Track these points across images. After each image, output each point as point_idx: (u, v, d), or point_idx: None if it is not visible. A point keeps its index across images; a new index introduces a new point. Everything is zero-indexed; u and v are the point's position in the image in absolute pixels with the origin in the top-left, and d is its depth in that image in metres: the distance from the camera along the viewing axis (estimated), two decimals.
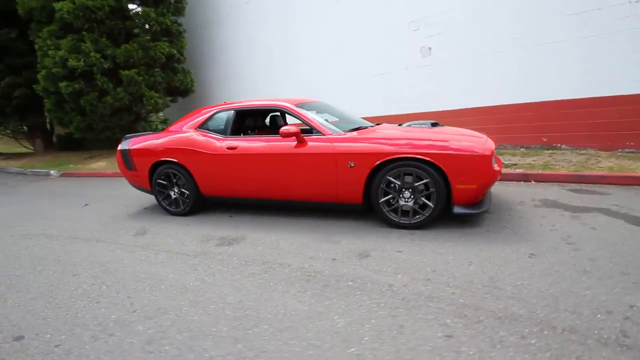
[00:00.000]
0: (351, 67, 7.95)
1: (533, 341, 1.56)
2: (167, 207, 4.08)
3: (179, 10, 9.55)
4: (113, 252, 3.07)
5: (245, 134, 4.19)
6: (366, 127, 3.56)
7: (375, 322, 1.76)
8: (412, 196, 2.98)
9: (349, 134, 3.26)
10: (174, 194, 4.00)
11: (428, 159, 2.83)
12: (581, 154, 5.21)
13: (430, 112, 6.73)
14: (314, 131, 3.33)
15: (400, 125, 3.77)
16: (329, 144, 3.18)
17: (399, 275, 2.24)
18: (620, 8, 4.89)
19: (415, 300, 1.95)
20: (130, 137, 4.30)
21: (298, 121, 3.48)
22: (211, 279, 2.38)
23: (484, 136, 3.23)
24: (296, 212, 3.72)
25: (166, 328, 1.83)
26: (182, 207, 3.98)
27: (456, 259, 2.42)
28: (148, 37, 8.95)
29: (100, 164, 8.73)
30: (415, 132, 3.19)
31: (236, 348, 1.64)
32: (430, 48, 6.72)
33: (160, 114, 11.90)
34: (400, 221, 3.04)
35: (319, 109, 3.82)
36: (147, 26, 8.89)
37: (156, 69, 9.09)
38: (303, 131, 3.30)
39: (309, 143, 3.25)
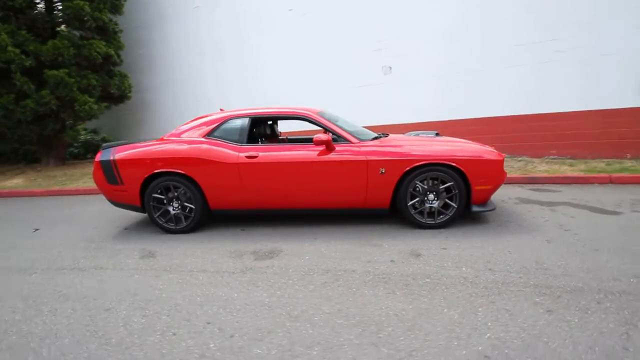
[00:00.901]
0: (312, 80, 8.18)
1: (608, 304, 1.92)
2: (164, 224, 3.62)
3: (116, 7, 8.53)
4: (131, 278, 2.62)
5: (255, 142, 3.98)
6: (381, 137, 3.77)
7: (483, 310, 1.94)
8: (436, 198, 3.28)
9: (376, 142, 3.43)
10: (174, 210, 3.59)
11: (454, 164, 3.17)
12: (520, 161, 6.34)
13: (387, 125, 7.34)
14: (340, 139, 3.41)
15: (407, 134, 4.10)
16: (360, 150, 3.30)
17: (463, 269, 2.47)
18: (555, 43, 6.14)
19: (496, 287, 2.19)
20: (111, 146, 3.72)
21: (318, 128, 3.53)
22: (286, 292, 2.25)
23: (486, 145, 3.74)
24: (310, 221, 3.70)
25: (289, 346, 1.70)
26: (184, 223, 3.59)
27: (495, 250, 2.76)
28: (79, 34, 7.77)
29: (16, 182, 7.10)
30: (433, 141, 3.53)
31: (383, 352, 1.62)
32: (390, 67, 7.39)
33: (84, 123, 10.29)
34: (427, 222, 3.31)
35: (333, 118, 3.91)
36: (77, 22, 7.69)
37: (88, 71, 7.90)
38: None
39: (339, 150, 3.32)
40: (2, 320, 2.10)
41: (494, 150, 3.44)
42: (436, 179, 3.25)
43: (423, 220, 3.31)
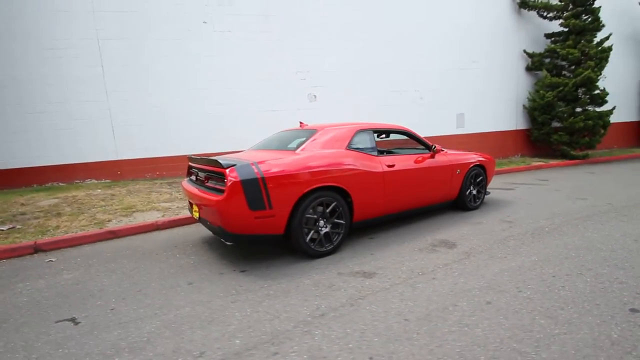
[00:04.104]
0: (237, 101, 7.83)
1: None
2: (314, 248, 3.10)
3: None
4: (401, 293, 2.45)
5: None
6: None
7: None
8: (475, 187, 4.84)
9: (445, 151, 4.56)
10: (324, 229, 3.17)
11: (483, 164, 4.86)
12: None
13: None
14: (427, 148, 4.30)
15: None
16: (445, 157, 4.35)
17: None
18: (417, 91, 9.21)
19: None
20: (251, 162, 2.80)
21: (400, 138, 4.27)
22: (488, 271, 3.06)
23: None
24: (396, 223, 4.31)
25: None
26: (333, 242, 3.24)
27: (512, 210, 4.63)
28: None
29: None
30: (463, 152, 5.03)
31: None
32: (315, 95, 8.40)
33: None
34: (473, 205, 4.79)
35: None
36: None
37: None
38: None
39: (437, 157, 4.23)
40: None
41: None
42: (477, 174, 4.81)
43: (471, 205, 4.75)
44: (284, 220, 2.92)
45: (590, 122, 9.17)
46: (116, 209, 5.15)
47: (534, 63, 10.06)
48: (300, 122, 4.22)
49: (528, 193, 5.85)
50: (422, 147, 4.33)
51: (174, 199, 5.78)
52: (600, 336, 1.83)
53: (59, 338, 2.04)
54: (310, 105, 8.40)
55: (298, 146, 3.40)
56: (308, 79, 8.30)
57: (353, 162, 3.38)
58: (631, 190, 5.69)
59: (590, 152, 9.83)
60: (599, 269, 2.69)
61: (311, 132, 3.52)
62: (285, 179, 2.89)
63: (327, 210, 3.16)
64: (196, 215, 3.27)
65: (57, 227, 4.40)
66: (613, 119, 9.72)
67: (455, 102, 9.78)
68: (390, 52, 8.96)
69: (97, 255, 3.52)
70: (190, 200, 3.45)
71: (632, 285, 2.39)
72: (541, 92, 9.65)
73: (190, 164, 3.74)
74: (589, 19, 9.12)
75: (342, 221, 3.27)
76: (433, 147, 4.24)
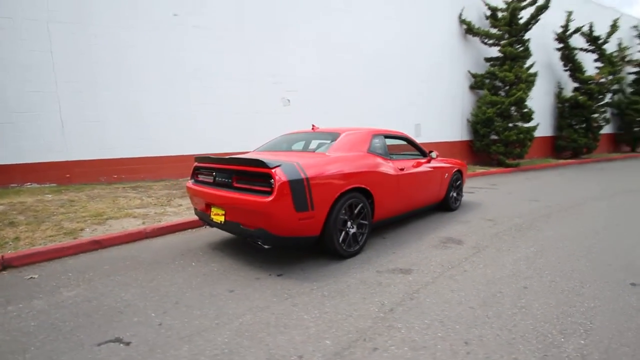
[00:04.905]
0: (212, 101, 7.44)
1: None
2: (345, 249, 3.14)
3: None
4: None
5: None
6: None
7: None
8: (454, 190, 5.35)
9: (434, 156, 4.96)
10: (352, 229, 3.23)
11: (460, 169, 5.40)
12: None
13: None
14: (421, 154, 4.65)
15: None
16: (438, 163, 4.74)
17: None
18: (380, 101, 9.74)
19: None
20: (293, 162, 2.73)
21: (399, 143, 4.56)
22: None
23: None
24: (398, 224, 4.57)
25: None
26: (359, 244, 3.31)
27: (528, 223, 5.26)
28: None
29: None
30: (444, 159, 5.52)
31: None
32: (289, 100, 8.38)
33: None
34: (454, 206, 5.28)
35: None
36: None
37: None
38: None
39: (432, 162, 4.58)
40: None
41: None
42: (457, 178, 5.32)
43: (454, 205, 5.24)
44: (321, 222, 2.91)
45: (521, 135, 10.72)
46: (84, 217, 4.50)
47: (477, 83, 11.45)
48: (313, 125, 4.22)
49: (487, 196, 6.62)
50: (418, 152, 4.66)
51: (147, 205, 5.25)
52: (620, 302, 2.23)
53: None
54: (284, 110, 8.36)
55: (322, 148, 3.41)
56: (282, 83, 8.26)
57: (376, 165, 3.51)
58: (568, 192, 6.80)
59: (520, 161, 11.47)
60: (588, 255, 3.21)
61: (335, 135, 3.57)
62: (326, 180, 2.89)
63: (355, 211, 3.23)
64: (220, 219, 3.05)
65: (17, 238, 3.69)
66: (535, 133, 11.51)
67: (413, 114, 10.61)
68: (357, 65, 9.39)
69: (90, 269, 3.06)
70: (209, 203, 3.21)
71: (621, 265, 2.93)
72: (483, 108, 11.01)
73: (201, 164, 3.48)
74: (521, 48, 10.75)
75: (366, 222, 3.37)
76: (430, 152, 4.60)
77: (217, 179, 3.18)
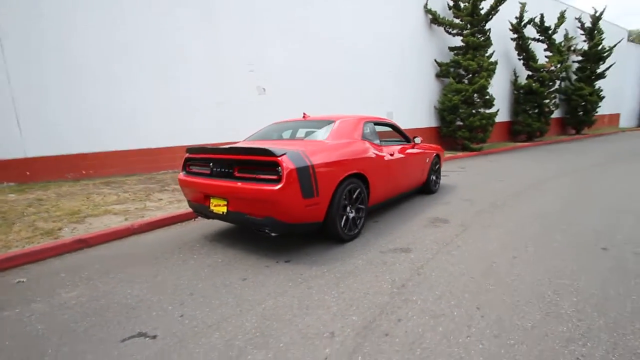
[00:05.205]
0: (181, 92, 7.12)
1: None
2: (347, 233, 3.25)
3: None
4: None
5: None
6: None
7: None
8: (434, 174, 5.64)
9: (416, 143, 5.18)
10: (352, 214, 3.34)
11: (439, 153, 5.70)
12: None
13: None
14: (406, 139, 4.84)
15: None
16: (421, 147, 4.96)
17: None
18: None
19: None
20: (297, 150, 2.75)
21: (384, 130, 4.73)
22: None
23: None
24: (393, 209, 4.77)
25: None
26: (358, 227, 3.44)
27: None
28: None
29: None
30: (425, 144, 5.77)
31: None
32: (264, 89, 8.22)
33: None
34: (434, 189, 5.57)
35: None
36: None
37: None
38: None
39: (415, 148, 4.79)
40: None
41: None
42: (435, 162, 5.60)
43: (434, 186, 5.54)
44: (325, 208, 2.98)
45: (483, 121, 11.42)
46: (59, 216, 4.21)
47: (442, 71, 11.94)
48: (304, 114, 4.22)
49: (459, 178, 7.04)
50: (403, 138, 4.85)
51: (125, 200, 4.99)
52: (596, 264, 2.56)
53: (145, 356, 1.74)
54: (259, 99, 8.20)
55: (319, 136, 3.46)
56: (257, 72, 8.08)
57: (370, 151, 3.63)
58: (529, 172, 7.41)
59: (483, 145, 12.24)
60: (561, 227, 3.59)
61: (330, 123, 3.62)
62: (329, 166, 2.95)
63: (354, 196, 3.34)
64: (221, 210, 3.01)
65: None
66: (495, 119, 12.31)
67: (385, 103, 10.88)
68: (333, 56, 9.41)
69: (82, 268, 2.90)
70: (208, 194, 3.15)
71: (589, 233, 3.31)
72: (448, 95, 11.54)
73: (194, 155, 3.38)
74: (482, 38, 11.34)
75: (363, 206, 3.49)
76: (414, 138, 4.80)
77: (215, 169, 3.12)
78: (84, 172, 6.34)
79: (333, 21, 9.36)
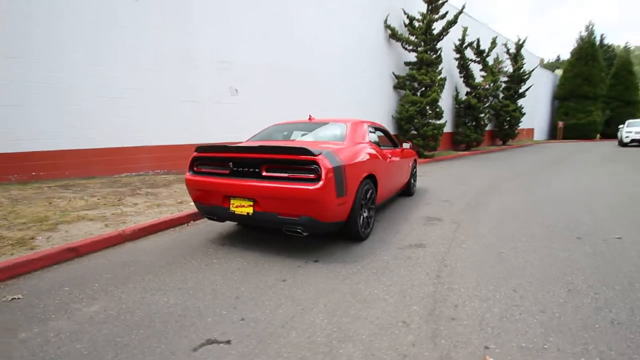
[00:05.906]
0: (150, 86, 6.61)
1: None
2: (364, 232, 3.37)
3: None
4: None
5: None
6: None
7: None
8: (412, 177, 6.07)
9: (401, 147, 5.53)
10: (365, 213, 3.47)
11: (416, 158, 6.16)
12: None
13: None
14: (394, 144, 5.16)
15: None
16: (406, 152, 5.32)
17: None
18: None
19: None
20: (329, 149, 2.79)
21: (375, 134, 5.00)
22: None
23: None
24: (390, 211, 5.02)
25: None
26: (370, 227, 3.59)
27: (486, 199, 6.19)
28: None
29: None
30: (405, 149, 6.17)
31: None
32: (237, 90, 7.99)
33: None
34: (413, 191, 6.00)
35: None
36: None
37: None
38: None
39: (403, 151, 5.13)
40: None
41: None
42: (413, 166, 6.04)
43: (413, 188, 5.96)
44: (349, 207, 3.07)
45: (435, 131, 12.51)
46: (24, 223, 3.66)
47: (399, 83, 12.83)
48: (310, 116, 4.25)
49: (427, 182, 7.63)
50: (391, 143, 5.15)
51: (95, 206, 4.50)
52: (580, 251, 3.05)
53: None
54: (231, 100, 7.95)
55: (336, 137, 3.55)
56: (230, 71, 7.84)
57: (378, 153, 3.81)
58: (482, 176, 8.32)
59: (434, 152, 13.37)
60: (536, 221, 4.15)
61: (342, 125, 3.72)
62: (354, 167, 3.06)
63: (367, 196, 3.48)
64: (246, 210, 2.90)
65: None
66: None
67: (352, 111, 11.30)
68: (303, 62, 9.54)
69: (87, 280, 2.58)
70: (228, 194, 3.01)
71: (562, 226, 3.89)
72: (405, 106, 12.43)
73: (208, 154, 3.21)
74: (434, 55, 12.48)
75: (373, 206, 3.65)
76: (402, 144, 5.14)
77: (237, 168, 3.01)
78: (33, 173, 5.49)
79: (310, 34, 9.51)
